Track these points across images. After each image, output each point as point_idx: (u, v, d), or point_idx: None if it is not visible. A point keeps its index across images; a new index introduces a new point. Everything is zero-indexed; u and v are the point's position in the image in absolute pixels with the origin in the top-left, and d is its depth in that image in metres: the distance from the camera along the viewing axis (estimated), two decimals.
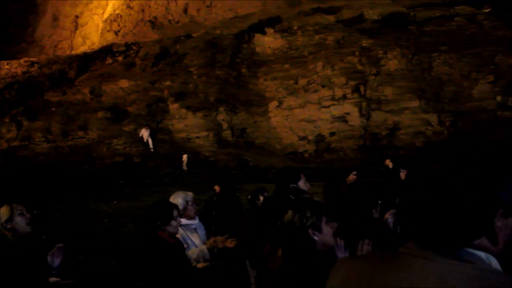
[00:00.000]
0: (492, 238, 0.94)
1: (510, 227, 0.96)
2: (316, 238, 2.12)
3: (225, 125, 16.78)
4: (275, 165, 14.87)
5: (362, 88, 15.68)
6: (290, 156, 16.06)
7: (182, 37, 17.23)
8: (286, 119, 16.22)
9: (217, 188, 5.48)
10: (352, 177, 6.73)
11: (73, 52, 21.78)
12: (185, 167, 15.70)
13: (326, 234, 2.14)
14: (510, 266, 0.99)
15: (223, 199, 5.08)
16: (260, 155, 16.17)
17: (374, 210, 3.02)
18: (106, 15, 21.07)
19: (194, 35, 17.13)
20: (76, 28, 22.75)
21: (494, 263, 0.94)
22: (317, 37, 16.12)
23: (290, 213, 2.16)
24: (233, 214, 4.77)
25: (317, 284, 1.03)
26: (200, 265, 3.26)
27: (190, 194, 3.66)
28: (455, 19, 15.73)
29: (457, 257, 0.90)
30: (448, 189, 0.92)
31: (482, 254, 0.93)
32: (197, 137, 16.97)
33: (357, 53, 15.86)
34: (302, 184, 3.69)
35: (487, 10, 15.54)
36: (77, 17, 22.53)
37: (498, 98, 15.35)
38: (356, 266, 1.02)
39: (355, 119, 15.58)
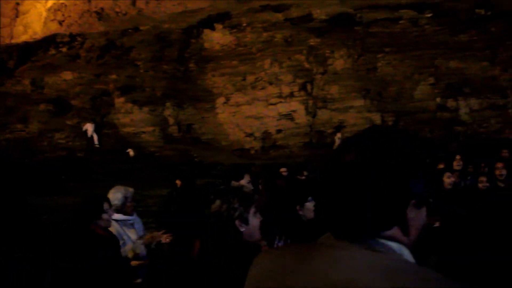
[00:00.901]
0: (404, 229, 0.97)
1: (423, 218, 1.00)
2: (242, 229, 2.15)
3: (171, 121, 17.15)
4: (222, 161, 15.39)
5: (309, 86, 16.49)
6: (236, 153, 16.63)
7: (130, 30, 17.48)
8: (233, 116, 16.80)
9: (178, 182, 5.52)
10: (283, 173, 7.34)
11: (13, 41, 21.44)
12: (130, 162, 15.96)
13: (253, 225, 2.18)
14: (421, 256, 1.06)
15: (183, 194, 5.04)
16: (206, 151, 16.64)
17: (298, 206, 3.26)
18: (49, 4, 20.87)
19: (142, 28, 17.42)
20: (16, 16, 22.38)
21: (406, 254, 0.98)
22: (265, 34, 16.82)
23: (218, 202, 2.18)
24: (193, 210, 4.74)
25: (241, 276, 1.07)
26: (134, 263, 3.33)
27: (130, 190, 3.74)
28: (399, 22, 16.82)
29: (370, 247, 0.93)
30: (361, 179, 0.94)
31: (394, 245, 0.96)
32: (143, 132, 17.24)
33: (304, 51, 16.67)
34: (244, 182, 3.94)
35: (429, 15, 16.73)
36: (17, 4, 22.14)
37: (438, 99, 16.56)
38: (273, 259, 1.05)
39: (301, 117, 16.36)
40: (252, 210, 2.19)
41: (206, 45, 17.36)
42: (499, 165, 8.49)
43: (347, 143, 1.00)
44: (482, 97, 16.57)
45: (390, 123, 16.42)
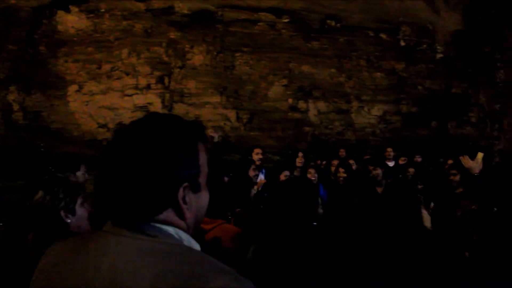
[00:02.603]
0: (179, 212, 1.03)
1: (201, 202, 1.09)
2: (68, 220, 2.19)
3: (16, 106, 16.87)
4: (72, 152, 15.73)
5: (166, 80, 17.55)
6: (88, 144, 17.04)
7: None
8: (86, 105, 17.16)
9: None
10: None
11: None
12: None
13: (80, 216, 2.24)
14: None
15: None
16: (55, 141, 16.72)
17: None
18: None
19: None
20: None
21: (185, 237, 1.04)
22: (124, 23, 17.45)
23: (41, 193, 2.19)
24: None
25: None
26: None
27: None
28: (258, 24, 18.71)
29: (144, 232, 0.98)
30: (129, 163, 0.99)
31: (170, 229, 1.02)
32: None
33: (164, 44, 17.68)
34: (80, 174, 4.14)
35: (286, 20, 18.91)
36: None
37: (290, 100, 18.82)
38: (58, 249, 1.08)
39: (158, 110, 17.29)
40: (80, 200, 2.27)
41: (60, 27, 17.38)
42: (335, 162, 10.44)
43: (120, 129, 1.08)
44: (329, 101, 19.25)
45: (245, 120, 18.26)
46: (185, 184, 1.03)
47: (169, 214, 1.03)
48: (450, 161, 9.83)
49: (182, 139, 1.05)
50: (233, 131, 17.94)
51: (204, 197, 1.11)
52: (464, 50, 21.12)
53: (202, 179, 1.09)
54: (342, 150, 13.61)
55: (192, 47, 17.92)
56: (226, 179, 6.69)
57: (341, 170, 8.29)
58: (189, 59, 17.84)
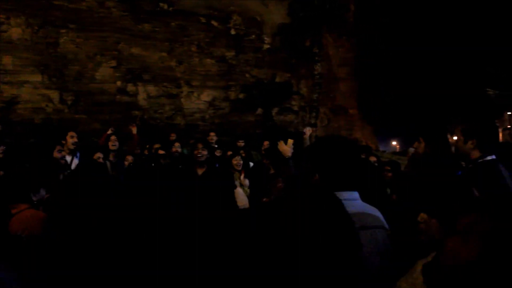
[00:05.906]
0: None
1: None
2: None
3: None
4: None
5: None
6: None
7: None
8: None
9: None
10: None
11: None
12: None
13: None
14: None
15: None
16: None
17: None
18: None
19: None
20: None
21: None
22: None
23: None
24: None
25: None
26: None
27: None
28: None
29: None
30: None
31: None
32: None
33: None
34: None
35: None
36: None
37: (118, 83, 20.32)
38: None
39: None
40: None
41: None
42: (157, 146, 12.14)
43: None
44: (159, 85, 21.35)
45: (69, 102, 19.29)
46: None
47: None
48: (266, 143, 11.01)
49: None
50: (56, 114, 18.77)
51: None
52: (288, 43, 25.39)
53: None
54: (172, 134, 15.47)
55: (8, 18, 17.98)
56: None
57: (160, 152, 8.94)
58: (4, 31, 17.89)
